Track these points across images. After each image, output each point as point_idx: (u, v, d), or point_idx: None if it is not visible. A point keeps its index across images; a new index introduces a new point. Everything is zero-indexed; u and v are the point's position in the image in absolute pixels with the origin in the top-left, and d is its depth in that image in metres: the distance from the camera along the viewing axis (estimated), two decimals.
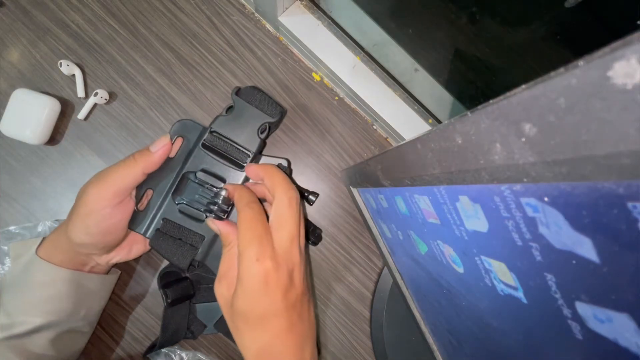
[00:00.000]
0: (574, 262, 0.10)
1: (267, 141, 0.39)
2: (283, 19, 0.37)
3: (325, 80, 0.41)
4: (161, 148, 0.30)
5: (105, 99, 0.37)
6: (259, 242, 0.25)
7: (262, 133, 0.33)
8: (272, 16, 0.38)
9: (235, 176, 0.33)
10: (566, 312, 0.11)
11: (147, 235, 0.32)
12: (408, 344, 0.39)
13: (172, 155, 0.32)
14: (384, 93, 0.39)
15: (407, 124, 0.39)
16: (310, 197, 0.39)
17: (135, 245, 0.34)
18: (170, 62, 0.39)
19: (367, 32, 0.38)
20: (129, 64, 0.39)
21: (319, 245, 0.40)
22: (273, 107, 0.34)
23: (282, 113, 0.35)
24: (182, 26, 0.39)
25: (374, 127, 0.42)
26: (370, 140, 0.41)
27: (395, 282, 0.36)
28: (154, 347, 0.36)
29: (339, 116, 0.41)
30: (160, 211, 0.33)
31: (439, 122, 0.40)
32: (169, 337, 0.35)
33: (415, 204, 0.20)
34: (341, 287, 0.41)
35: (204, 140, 0.33)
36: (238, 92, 0.34)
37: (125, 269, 0.38)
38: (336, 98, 0.41)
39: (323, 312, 0.41)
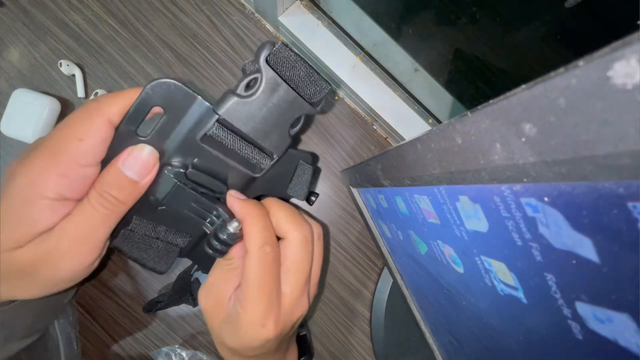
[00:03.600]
0: (574, 262, 0.10)
1: None
2: (283, 19, 0.37)
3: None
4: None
5: None
6: (267, 303, 0.21)
7: (293, 126, 0.22)
8: (272, 16, 0.38)
9: (244, 179, 0.23)
10: (566, 312, 0.11)
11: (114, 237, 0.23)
12: (408, 344, 0.39)
13: (144, 135, 0.20)
14: (384, 93, 0.39)
15: (407, 124, 0.39)
16: (311, 197, 0.39)
17: None
18: (170, 62, 0.39)
19: (367, 32, 0.38)
20: (129, 64, 0.39)
21: None
22: (318, 87, 0.22)
23: (324, 96, 0.22)
24: (182, 26, 0.39)
25: (374, 127, 0.42)
26: (370, 140, 0.41)
27: (395, 282, 0.36)
28: (157, 304, 0.34)
29: (339, 116, 0.41)
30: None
31: (439, 122, 0.40)
32: (177, 299, 0.34)
33: (415, 204, 0.20)
34: (341, 287, 0.41)
35: (207, 131, 0.20)
36: (267, 54, 0.20)
37: (125, 269, 0.38)
38: (336, 98, 0.41)
39: (323, 312, 0.41)
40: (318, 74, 0.21)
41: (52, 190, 0.18)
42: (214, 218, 0.22)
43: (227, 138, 0.21)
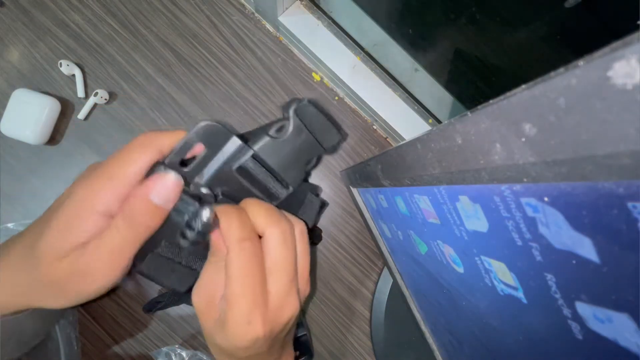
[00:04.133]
0: (574, 262, 0.10)
1: None
2: (283, 19, 0.37)
3: (325, 80, 0.41)
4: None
5: (105, 99, 0.37)
6: (251, 299, 0.21)
7: (308, 164, 0.27)
8: (272, 16, 0.38)
9: None
10: (566, 312, 0.11)
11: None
12: (408, 344, 0.39)
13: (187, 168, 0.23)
14: (384, 93, 0.39)
15: (407, 124, 0.39)
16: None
17: None
18: (170, 62, 0.39)
19: (367, 32, 0.38)
20: (129, 64, 0.39)
21: (319, 245, 0.40)
22: (332, 136, 0.26)
23: (340, 142, 0.28)
24: (182, 26, 0.39)
25: (374, 127, 0.42)
26: (370, 140, 0.41)
27: (395, 282, 0.36)
28: (157, 304, 0.33)
29: (339, 116, 0.41)
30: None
31: (439, 122, 0.40)
32: (177, 299, 0.34)
33: (415, 204, 0.20)
34: (341, 287, 0.41)
35: (242, 164, 0.24)
36: (296, 108, 0.25)
37: None
38: (336, 98, 0.41)
39: (323, 312, 0.41)
40: (333, 126, 0.26)
41: (103, 205, 0.20)
42: None
43: (257, 170, 0.25)
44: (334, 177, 0.41)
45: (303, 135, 0.25)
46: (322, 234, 0.40)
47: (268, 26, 0.40)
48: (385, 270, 0.40)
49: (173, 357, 0.37)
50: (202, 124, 0.23)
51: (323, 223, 0.41)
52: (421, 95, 0.40)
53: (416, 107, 0.40)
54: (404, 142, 0.17)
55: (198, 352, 0.38)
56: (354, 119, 0.41)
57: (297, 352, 0.34)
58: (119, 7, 0.39)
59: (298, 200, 0.30)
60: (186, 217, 0.23)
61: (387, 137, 0.42)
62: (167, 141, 0.22)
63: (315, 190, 0.29)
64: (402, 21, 0.37)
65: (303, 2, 0.38)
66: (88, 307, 0.38)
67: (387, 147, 0.40)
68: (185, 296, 0.35)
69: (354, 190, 0.34)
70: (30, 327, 0.26)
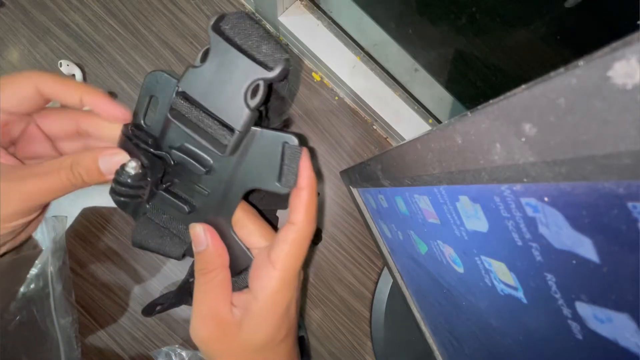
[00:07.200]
0: (574, 262, 0.10)
1: None
2: (283, 19, 0.37)
3: (325, 80, 0.41)
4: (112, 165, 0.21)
5: None
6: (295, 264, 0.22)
7: (252, 97, 0.20)
8: (272, 16, 0.38)
9: (221, 163, 0.22)
10: (566, 312, 0.11)
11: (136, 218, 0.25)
12: (408, 344, 0.39)
13: (148, 122, 0.23)
14: (384, 93, 0.39)
15: (407, 124, 0.39)
16: None
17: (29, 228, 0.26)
18: (170, 62, 0.39)
19: (367, 32, 0.38)
20: (129, 64, 0.39)
21: (319, 245, 0.40)
22: (272, 52, 0.20)
23: (287, 64, 0.20)
24: (182, 26, 0.39)
25: (374, 127, 0.41)
26: (370, 140, 0.41)
27: (395, 282, 0.36)
28: (156, 307, 0.32)
29: (339, 116, 0.41)
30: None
31: (439, 122, 0.40)
32: (176, 301, 0.34)
33: (415, 204, 0.20)
34: (341, 287, 0.41)
35: (172, 104, 0.21)
36: (219, 22, 0.20)
37: (126, 269, 0.38)
38: (336, 98, 0.41)
39: (323, 312, 0.41)
40: (275, 41, 0.20)
41: None
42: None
43: (190, 111, 0.21)
44: (334, 177, 0.41)
45: (230, 56, 0.19)
46: (322, 234, 0.40)
47: (268, 26, 0.40)
48: (385, 270, 0.40)
49: (173, 357, 0.37)
50: (148, 75, 0.21)
51: (323, 223, 0.41)
52: (421, 95, 0.40)
53: (416, 107, 0.40)
54: (404, 142, 0.17)
55: (198, 352, 0.38)
56: (354, 119, 0.41)
57: None
58: (119, 7, 0.39)
59: (274, 159, 0.22)
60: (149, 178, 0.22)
61: (387, 137, 0.42)
62: (49, 81, 0.22)
63: (292, 140, 0.22)
64: (402, 21, 0.37)
65: (303, 2, 0.38)
66: (88, 307, 0.38)
67: (387, 147, 0.40)
68: (184, 297, 0.35)
69: (354, 190, 0.34)
70: None
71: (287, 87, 0.24)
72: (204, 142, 0.21)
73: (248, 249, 0.24)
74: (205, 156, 0.22)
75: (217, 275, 0.22)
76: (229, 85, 0.20)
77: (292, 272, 0.21)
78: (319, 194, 0.38)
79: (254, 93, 0.20)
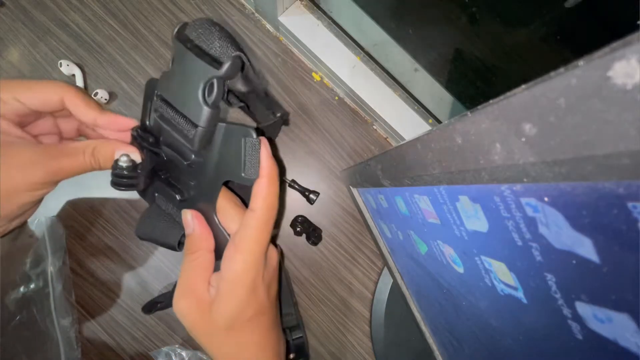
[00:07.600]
0: (574, 262, 0.10)
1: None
2: (283, 19, 0.37)
3: (325, 80, 0.41)
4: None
5: (105, 99, 0.37)
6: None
7: (209, 95, 0.22)
8: (272, 16, 0.38)
9: (200, 157, 0.24)
10: (566, 312, 0.11)
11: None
12: (408, 344, 0.39)
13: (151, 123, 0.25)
14: (384, 93, 0.39)
15: (407, 124, 0.39)
16: (311, 196, 0.39)
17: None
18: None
19: (367, 32, 0.38)
20: (129, 64, 0.39)
21: (319, 245, 0.40)
22: (224, 51, 0.22)
23: (234, 60, 0.21)
24: None
25: (374, 127, 0.42)
26: (370, 140, 0.41)
27: (395, 282, 0.36)
28: (156, 304, 0.33)
29: (339, 116, 0.41)
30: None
31: (439, 122, 0.40)
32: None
33: (415, 204, 0.20)
34: (341, 287, 0.41)
35: (154, 106, 0.24)
36: (183, 30, 0.22)
37: (126, 269, 0.38)
38: (336, 98, 0.41)
39: (323, 312, 0.41)
40: (229, 40, 0.22)
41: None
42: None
43: (166, 111, 0.23)
44: (334, 177, 0.41)
45: (187, 59, 0.21)
46: (322, 234, 0.40)
47: (268, 26, 0.40)
48: (385, 270, 0.40)
49: (173, 357, 0.37)
50: (147, 83, 0.25)
51: (323, 223, 0.41)
52: (421, 95, 0.40)
53: (416, 107, 0.40)
54: (404, 142, 0.17)
55: (198, 352, 0.38)
56: (354, 119, 0.41)
57: (293, 355, 0.34)
58: (119, 7, 0.39)
59: (238, 153, 0.24)
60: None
61: (387, 137, 0.42)
62: (75, 98, 0.24)
63: (248, 133, 0.23)
64: (402, 21, 0.37)
65: (303, 2, 0.38)
66: (88, 307, 0.38)
67: (387, 147, 0.40)
68: None
69: (354, 190, 0.34)
70: None
71: (255, 79, 0.26)
72: (179, 138, 0.24)
73: (229, 234, 0.25)
74: (187, 151, 0.24)
75: (200, 256, 0.24)
76: (189, 85, 0.22)
77: (254, 254, 0.23)
78: (318, 193, 0.38)
79: (210, 91, 0.22)
